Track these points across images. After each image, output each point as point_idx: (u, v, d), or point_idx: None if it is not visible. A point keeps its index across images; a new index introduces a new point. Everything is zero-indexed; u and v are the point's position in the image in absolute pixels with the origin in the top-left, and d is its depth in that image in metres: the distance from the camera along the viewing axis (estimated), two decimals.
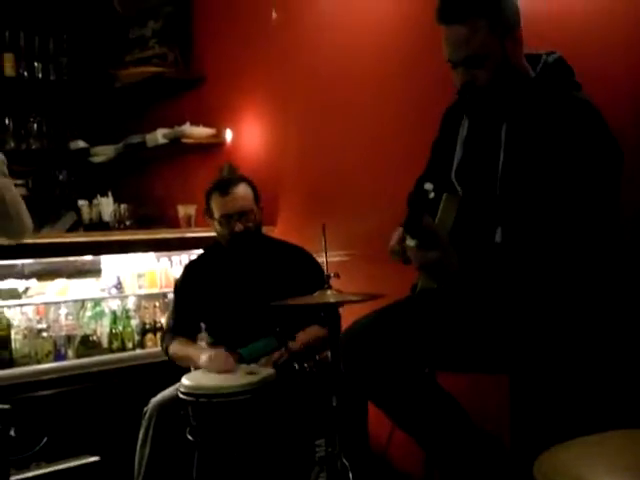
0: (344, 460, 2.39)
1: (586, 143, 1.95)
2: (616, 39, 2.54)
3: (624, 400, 2.25)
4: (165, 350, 3.00)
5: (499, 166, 2.09)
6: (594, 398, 2.07)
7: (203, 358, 2.73)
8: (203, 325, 3.06)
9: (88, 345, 3.75)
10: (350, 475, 2.38)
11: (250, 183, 2.98)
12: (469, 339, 2.03)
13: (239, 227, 2.89)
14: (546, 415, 2.03)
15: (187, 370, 2.88)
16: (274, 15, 3.97)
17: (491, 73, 2.05)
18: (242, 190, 2.93)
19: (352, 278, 2.93)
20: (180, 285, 3.13)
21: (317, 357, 2.69)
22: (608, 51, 2.56)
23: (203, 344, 3.05)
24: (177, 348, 2.94)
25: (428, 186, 1.89)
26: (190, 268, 3.17)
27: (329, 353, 2.44)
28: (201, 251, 3.27)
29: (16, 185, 2.67)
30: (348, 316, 2.87)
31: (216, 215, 2.93)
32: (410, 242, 1.97)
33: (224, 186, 2.92)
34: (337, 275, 2.53)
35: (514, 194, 2.04)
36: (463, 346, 2.04)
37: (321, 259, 2.64)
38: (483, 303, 2.02)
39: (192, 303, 3.03)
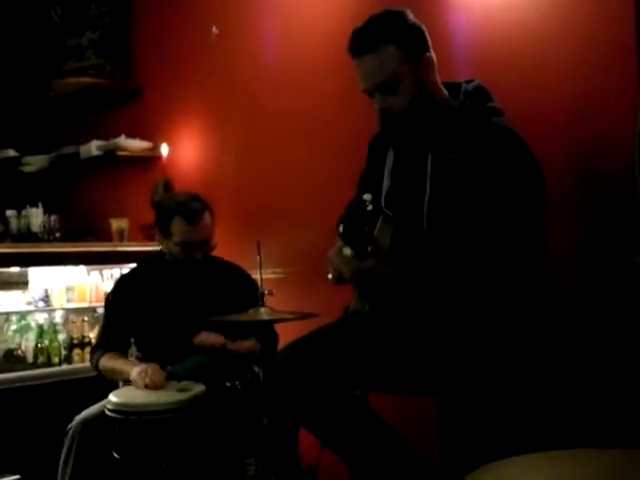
0: (274, 479, 2.37)
1: (506, 167, 1.98)
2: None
3: (551, 421, 2.29)
4: (95, 365, 2.94)
5: (425, 196, 2.09)
6: (521, 419, 2.10)
7: (134, 372, 2.69)
8: (132, 340, 3.00)
9: (12, 360, 3.66)
10: None
11: (210, 209, 2.97)
12: (399, 360, 2.03)
13: (199, 255, 2.91)
14: (474, 435, 2.04)
15: (115, 386, 2.82)
16: (214, 30, 3.95)
17: (406, 99, 2.07)
18: (207, 220, 2.93)
19: (286, 296, 2.92)
20: (111, 298, 3.07)
21: (248, 375, 2.67)
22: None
23: (133, 359, 2.99)
24: (107, 362, 2.88)
25: (367, 196, 1.89)
26: (122, 281, 3.12)
27: (260, 372, 2.43)
28: (133, 265, 3.21)
29: None
30: (281, 333, 2.87)
31: (176, 239, 2.89)
32: (347, 251, 1.95)
33: (192, 214, 2.88)
34: (271, 292, 2.52)
35: (441, 223, 2.05)
36: (393, 367, 2.04)
37: (256, 276, 2.63)
38: (413, 324, 2.03)
39: (123, 317, 2.97)
